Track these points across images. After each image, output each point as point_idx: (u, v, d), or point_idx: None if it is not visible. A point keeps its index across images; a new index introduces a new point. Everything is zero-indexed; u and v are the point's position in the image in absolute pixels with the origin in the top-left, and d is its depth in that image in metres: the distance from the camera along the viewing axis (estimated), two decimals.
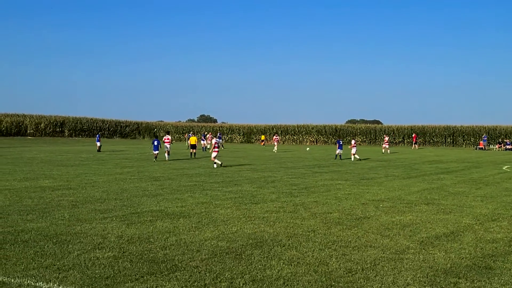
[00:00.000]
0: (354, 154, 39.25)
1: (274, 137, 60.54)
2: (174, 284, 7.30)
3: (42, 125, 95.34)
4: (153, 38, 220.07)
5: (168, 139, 37.02)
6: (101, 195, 16.26)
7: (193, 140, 42.64)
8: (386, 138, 60.09)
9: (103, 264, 8.24)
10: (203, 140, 55.58)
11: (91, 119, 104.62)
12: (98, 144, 47.38)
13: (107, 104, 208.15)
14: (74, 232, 10.56)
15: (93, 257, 8.65)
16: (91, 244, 9.54)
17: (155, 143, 34.83)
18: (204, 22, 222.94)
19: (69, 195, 16.10)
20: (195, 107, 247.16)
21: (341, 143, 40.96)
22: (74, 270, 7.86)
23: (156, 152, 34.72)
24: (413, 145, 78.70)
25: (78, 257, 8.64)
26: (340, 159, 39.74)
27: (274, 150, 54.24)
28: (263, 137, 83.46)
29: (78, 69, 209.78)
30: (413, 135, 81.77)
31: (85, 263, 8.25)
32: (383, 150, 56.61)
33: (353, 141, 40.26)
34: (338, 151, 40.60)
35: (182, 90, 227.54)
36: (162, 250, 9.20)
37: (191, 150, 41.60)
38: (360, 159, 38.83)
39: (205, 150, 51.42)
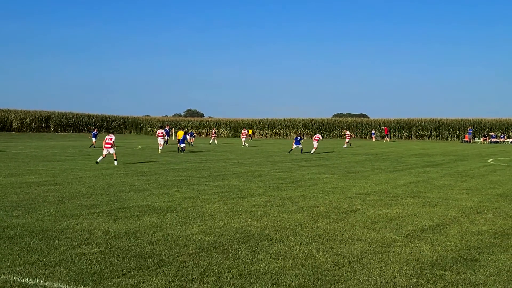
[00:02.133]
0: (347, 143, 40.01)
1: (242, 131, 58.77)
2: (161, 279, 7.28)
3: (28, 120, 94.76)
4: (140, 34, 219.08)
5: (161, 133, 38.52)
6: (88, 190, 16.18)
7: (180, 134, 42.63)
8: (348, 133, 59.69)
9: (89, 259, 8.21)
10: (189, 136, 55.15)
11: (77, 114, 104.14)
12: (94, 140, 46.93)
13: (93, 99, 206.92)
14: (61, 228, 10.50)
15: (80, 252, 8.61)
16: (78, 240, 9.50)
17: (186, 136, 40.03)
18: (190, 17, 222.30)
19: (55, 190, 16.01)
20: (181, 101, 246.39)
21: (298, 139, 40.12)
22: (61, 266, 7.81)
23: (182, 145, 39.17)
24: (385, 138, 79.20)
25: (64, 253, 8.60)
26: (301, 152, 39.60)
27: (242, 146, 53.59)
28: (250, 131, 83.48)
29: (64, 64, 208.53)
30: (384, 128, 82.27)
31: (71, 259, 8.21)
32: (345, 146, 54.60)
33: (347, 132, 41.47)
34: (294, 146, 39.93)
35: (169, 84, 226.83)
36: (149, 245, 9.18)
37: (178, 145, 41.55)
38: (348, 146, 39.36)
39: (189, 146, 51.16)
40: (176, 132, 52.94)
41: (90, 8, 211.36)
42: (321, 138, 41.61)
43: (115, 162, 26.63)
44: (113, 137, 27.70)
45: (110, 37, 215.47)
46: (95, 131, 48.58)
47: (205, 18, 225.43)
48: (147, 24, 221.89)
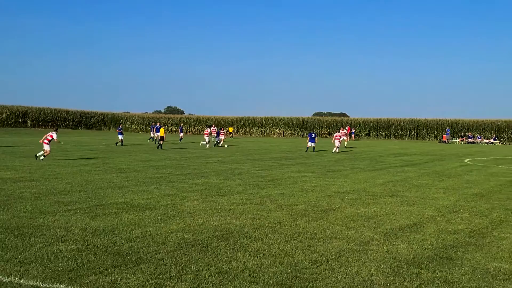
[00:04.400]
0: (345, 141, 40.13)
1: (212, 128, 56.12)
2: (139, 277, 7.25)
3: (4, 115, 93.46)
4: (120, 29, 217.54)
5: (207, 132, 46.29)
6: (65, 187, 16.03)
7: (162, 131, 42.67)
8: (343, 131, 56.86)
9: (66, 257, 8.14)
10: (157, 131, 54.02)
11: (55, 109, 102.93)
12: (120, 137, 46.26)
13: (71, 95, 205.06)
14: (37, 225, 10.39)
15: (56, 250, 8.53)
16: (54, 237, 9.41)
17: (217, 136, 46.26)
18: (170, 13, 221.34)
19: (32, 187, 15.84)
20: (162, 98, 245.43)
21: (313, 136, 40.31)
22: (36, 263, 7.74)
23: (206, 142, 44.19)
24: (348, 137, 79.54)
25: (40, 250, 8.51)
26: (313, 151, 39.89)
27: (201, 143, 53.20)
28: (231, 129, 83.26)
29: (42, 58, 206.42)
30: (347, 127, 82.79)
31: (47, 256, 8.13)
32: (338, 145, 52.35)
33: (342, 130, 41.71)
34: (309, 144, 40.02)
35: (149, 81, 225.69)
36: (127, 243, 9.13)
37: (161, 141, 41.52)
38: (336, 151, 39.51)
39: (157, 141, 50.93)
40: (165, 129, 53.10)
41: (69, 4, 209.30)
42: (341, 135, 42.01)
43: (41, 158, 25.74)
44: (55, 135, 26.87)
45: (89, 33, 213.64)
46: (157, 125, 48.79)
47: (185, 15, 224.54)
48: (128, 21, 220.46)
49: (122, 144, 44.22)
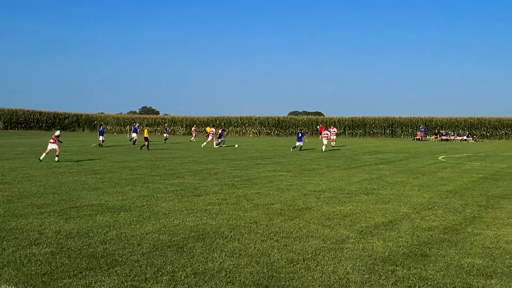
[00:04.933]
0: (332, 141, 40.82)
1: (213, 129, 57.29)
2: (114, 279, 7.18)
3: None
4: (94, 29, 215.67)
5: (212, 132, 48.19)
6: (38, 189, 15.82)
7: (146, 132, 42.76)
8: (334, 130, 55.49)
9: (39, 260, 8.02)
10: (134, 132, 53.43)
11: (28, 111, 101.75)
12: (134, 135, 48.21)
13: (44, 96, 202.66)
14: (9, 228, 10.23)
15: (29, 253, 8.41)
16: (27, 240, 9.27)
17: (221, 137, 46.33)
18: (145, 13, 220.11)
19: (4, 189, 15.60)
20: (136, 98, 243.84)
21: (300, 135, 40.92)
22: (9, 267, 7.61)
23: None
24: (320, 135, 79.95)
25: (13, 253, 8.38)
26: (300, 150, 40.56)
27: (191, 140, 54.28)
28: (208, 129, 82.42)
29: (14, 59, 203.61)
30: (319, 126, 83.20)
31: (20, 260, 8.00)
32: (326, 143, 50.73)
33: (332, 130, 42.30)
34: (297, 143, 40.49)
35: (123, 81, 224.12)
36: (101, 245, 9.03)
37: (145, 142, 41.55)
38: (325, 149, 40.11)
39: (135, 143, 50.39)
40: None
41: (40, 5, 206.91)
42: (329, 134, 43.36)
43: (56, 158, 26.64)
44: (58, 133, 27.94)
45: (63, 33, 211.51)
46: (136, 125, 48.38)
47: (158, 16, 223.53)
48: (102, 22, 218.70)
49: (101, 145, 44.05)
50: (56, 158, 26.60)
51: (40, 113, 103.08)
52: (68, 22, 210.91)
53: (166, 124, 74.31)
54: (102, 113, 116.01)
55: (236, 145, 47.81)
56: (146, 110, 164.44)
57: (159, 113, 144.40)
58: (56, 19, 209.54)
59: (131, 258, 8.25)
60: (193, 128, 68.91)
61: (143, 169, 23.15)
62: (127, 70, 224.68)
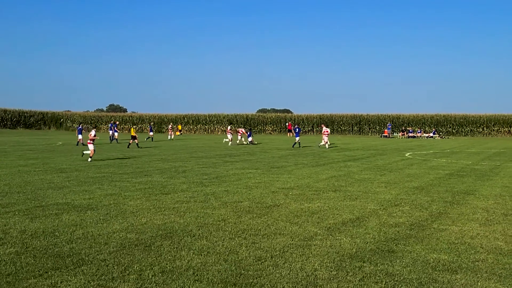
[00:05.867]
0: (326, 142, 42.48)
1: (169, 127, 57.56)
2: (80, 279, 7.09)
3: None
4: (58, 24, 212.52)
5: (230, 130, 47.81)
6: (3, 188, 15.54)
7: (133, 131, 42.72)
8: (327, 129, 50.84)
9: (4, 260, 7.88)
10: (114, 131, 53.65)
11: None
12: (114, 133, 49.75)
13: (9, 93, 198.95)
14: None
15: None
16: None
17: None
18: (111, 10, 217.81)
19: None
20: (104, 96, 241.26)
21: (297, 131, 43.30)
22: None
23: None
24: (288, 133, 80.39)
25: None
26: (299, 147, 42.18)
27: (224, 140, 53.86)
28: (180, 127, 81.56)
29: None
30: (287, 124, 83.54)
31: None
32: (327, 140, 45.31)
33: (325, 128, 43.00)
34: (296, 139, 43.13)
35: (90, 79, 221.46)
36: (68, 244, 8.92)
37: (131, 140, 41.84)
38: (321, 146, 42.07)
39: (113, 140, 50.88)
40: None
41: (5, 3, 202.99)
42: (328, 131, 44.32)
43: (89, 159, 26.42)
44: (94, 132, 27.92)
45: (28, 30, 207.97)
46: (115, 123, 47.91)
47: (124, 13, 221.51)
48: (67, 18, 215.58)
49: (78, 144, 43.89)
50: (90, 159, 26.42)
51: (5, 111, 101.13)
52: (32, 19, 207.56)
53: (152, 123, 73.64)
54: (68, 111, 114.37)
55: (168, 137, 49.04)
56: (113, 108, 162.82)
57: (126, 111, 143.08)
58: (19, 16, 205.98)
59: (98, 257, 8.16)
60: (169, 127, 68.28)
61: (111, 167, 22.92)
62: (95, 67, 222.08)
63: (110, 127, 52.90)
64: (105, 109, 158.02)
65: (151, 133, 57.68)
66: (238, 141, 48.25)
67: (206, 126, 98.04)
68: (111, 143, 48.59)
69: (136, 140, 41.80)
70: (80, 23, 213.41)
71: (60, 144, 45.01)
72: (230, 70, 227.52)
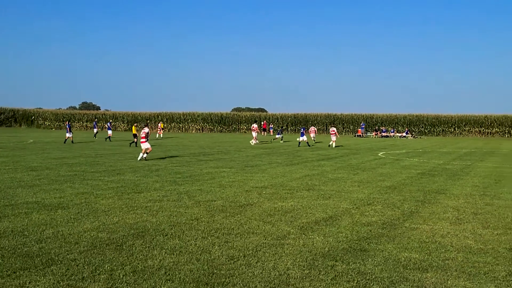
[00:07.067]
0: (334, 141, 43.62)
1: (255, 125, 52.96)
2: (50, 279, 6.98)
3: None
4: (29, 21, 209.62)
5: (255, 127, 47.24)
6: None
7: (134, 129, 42.50)
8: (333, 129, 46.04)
9: None
10: (109, 129, 53.62)
11: None
12: (110, 132, 51.38)
13: None
14: None
15: None
16: None
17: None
18: (88, 6, 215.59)
19: None
20: (77, 93, 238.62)
21: (302, 130, 44.52)
22: None
23: None
24: (263, 132, 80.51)
25: None
26: (308, 145, 43.51)
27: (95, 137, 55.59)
28: (162, 125, 77.54)
29: None
30: (263, 123, 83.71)
31: None
32: (335, 139, 44.78)
33: (312, 128, 44.08)
34: (300, 138, 44.11)
35: (63, 76, 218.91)
36: (37, 244, 8.78)
37: (134, 139, 41.38)
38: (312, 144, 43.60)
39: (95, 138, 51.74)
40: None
41: None
42: (335, 130, 45.33)
43: (144, 156, 26.47)
44: (147, 130, 27.47)
45: None
46: (68, 124, 47.44)
47: (94, 8, 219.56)
48: (39, 13, 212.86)
49: (68, 142, 43.90)
50: (145, 155, 26.41)
51: None
52: (1, 15, 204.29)
53: (147, 121, 72.83)
54: (40, 108, 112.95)
55: (156, 136, 49.35)
56: (86, 106, 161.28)
57: (100, 109, 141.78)
58: None
59: (68, 257, 8.04)
60: (159, 125, 67.85)
61: (83, 165, 22.67)
62: (68, 64, 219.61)
63: (94, 124, 55.98)
64: (78, 107, 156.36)
65: (110, 131, 57.52)
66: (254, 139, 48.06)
67: (181, 125, 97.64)
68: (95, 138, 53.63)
69: (135, 139, 41.04)
70: (52, 19, 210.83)
71: (31, 142, 44.40)
72: (206, 68, 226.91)
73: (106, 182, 17.00)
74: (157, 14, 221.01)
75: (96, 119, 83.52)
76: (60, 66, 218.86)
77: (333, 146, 43.29)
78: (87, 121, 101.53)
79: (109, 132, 52.22)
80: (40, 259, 7.89)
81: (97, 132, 58.62)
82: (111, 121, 61.91)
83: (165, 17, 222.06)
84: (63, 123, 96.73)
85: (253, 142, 47.39)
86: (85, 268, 7.48)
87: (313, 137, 45.86)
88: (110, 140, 49.29)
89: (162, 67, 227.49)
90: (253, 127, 49.16)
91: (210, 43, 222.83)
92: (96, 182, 16.96)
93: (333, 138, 43.97)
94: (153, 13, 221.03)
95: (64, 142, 43.34)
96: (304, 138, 44.12)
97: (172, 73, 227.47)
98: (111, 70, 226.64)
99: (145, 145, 26.51)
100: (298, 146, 43.58)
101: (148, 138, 27.08)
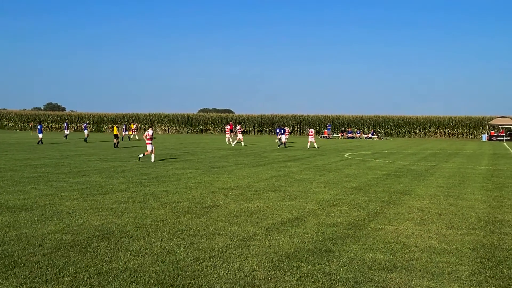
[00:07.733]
0: (313, 142, 44.80)
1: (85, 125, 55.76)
2: (12, 281, 6.88)
3: None
4: None
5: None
6: None
7: (115, 130, 42.08)
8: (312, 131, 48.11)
9: None
10: (85, 129, 53.92)
11: None
12: (86, 132, 52.00)
13: None
14: None
15: None
16: None
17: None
18: (50, 5, 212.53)
19: None
20: (41, 94, 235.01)
21: (277, 131, 46.81)
22: None
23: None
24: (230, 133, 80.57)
25: None
26: (285, 146, 44.74)
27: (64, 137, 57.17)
28: (132, 126, 75.03)
29: None
30: (229, 123, 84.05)
31: None
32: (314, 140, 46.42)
33: (311, 130, 44.53)
34: (282, 138, 45.61)
35: (27, 76, 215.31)
36: (0, 246, 8.63)
37: (115, 140, 41.40)
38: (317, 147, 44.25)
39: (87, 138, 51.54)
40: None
41: None
42: (313, 132, 46.47)
43: (141, 155, 27.28)
44: (151, 132, 27.47)
45: None
46: (40, 126, 46.36)
47: (65, 8, 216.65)
48: (5, 12, 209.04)
49: (40, 143, 43.58)
50: (141, 155, 26.92)
51: None
52: None
53: (126, 123, 71.68)
54: (4, 109, 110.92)
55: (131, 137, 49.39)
56: (51, 107, 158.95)
57: (65, 110, 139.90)
58: None
59: (32, 259, 7.94)
60: (133, 127, 67.33)
61: (47, 167, 22.35)
62: (32, 64, 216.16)
63: (85, 126, 54.67)
64: (42, 108, 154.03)
65: (125, 132, 57.56)
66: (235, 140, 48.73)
67: (147, 126, 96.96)
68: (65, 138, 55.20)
69: (116, 140, 41.49)
70: (15, 18, 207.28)
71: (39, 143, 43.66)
72: (171, 69, 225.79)
73: (71, 183, 16.81)
74: (121, 13, 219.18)
75: (67, 120, 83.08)
76: (25, 66, 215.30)
77: (314, 145, 44.91)
78: (52, 122, 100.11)
79: (86, 132, 52.51)
80: (3, 261, 7.76)
81: (68, 134, 58.49)
82: (88, 121, 62.02)
83: (131, 16, 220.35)
84: (27, 124, 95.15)
85: (236, 142, 48.18)
86: (48, 271, 7.39)
87: (310, 141, 44.98)
88: (86, 141, 49.57)
89: (128, 68, 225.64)
90: (239, 129, 50.49)
91: (179, 43, 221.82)
92: (61, 183, 16.75)
93: (310, 139, 45.08)
94: (116, 12, 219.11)
95: (38, 143, 43.29)
96: (283, 138, 45.51)
97: (138, 73, 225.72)
98: (77, 71, 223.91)
99: (150, 147, 26.80)
100: (285, 146, 44.95)
101: (152, 139, 27.34)
